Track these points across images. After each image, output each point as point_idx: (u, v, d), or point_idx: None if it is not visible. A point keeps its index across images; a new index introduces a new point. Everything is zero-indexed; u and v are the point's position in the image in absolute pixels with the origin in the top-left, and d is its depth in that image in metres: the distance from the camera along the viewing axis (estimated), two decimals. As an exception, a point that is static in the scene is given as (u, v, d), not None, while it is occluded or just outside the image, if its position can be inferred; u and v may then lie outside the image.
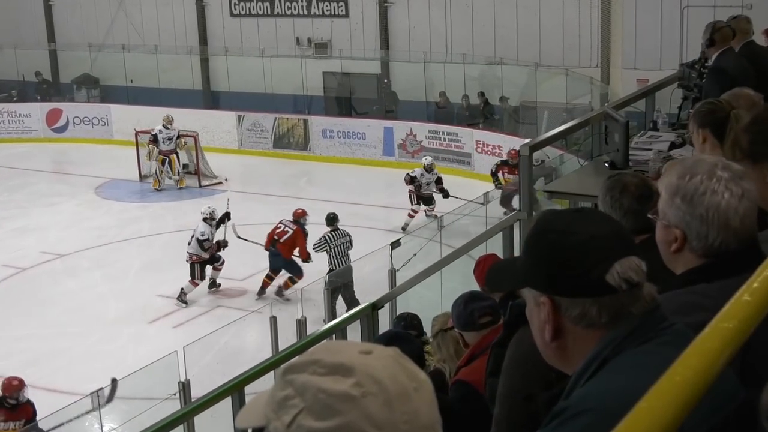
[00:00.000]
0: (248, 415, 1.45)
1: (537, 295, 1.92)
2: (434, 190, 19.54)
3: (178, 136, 23.16)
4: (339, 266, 14.64)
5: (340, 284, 13.13)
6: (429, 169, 19.70)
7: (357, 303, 11.08)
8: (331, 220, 15.55)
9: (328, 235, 15.22)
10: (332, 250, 15.05)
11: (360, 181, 22.81)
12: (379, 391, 1.31)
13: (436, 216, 17.71)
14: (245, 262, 16.73)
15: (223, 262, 16.08)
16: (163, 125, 22.99)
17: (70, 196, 22.82)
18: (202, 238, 15.71)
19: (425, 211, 19.63)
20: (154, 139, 23.00)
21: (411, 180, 19.62)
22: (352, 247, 15.18)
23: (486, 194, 14.99)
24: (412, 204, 19.61)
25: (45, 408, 10.76)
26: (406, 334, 4.75)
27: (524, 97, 24.01)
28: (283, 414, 1.33)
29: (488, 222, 13.36)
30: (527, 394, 2.92)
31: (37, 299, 16.07)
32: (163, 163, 23.08)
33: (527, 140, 8.76)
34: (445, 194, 19.19)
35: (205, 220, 15.96)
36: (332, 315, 11.25)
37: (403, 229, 18.69)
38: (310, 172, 24.61)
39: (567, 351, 1.92)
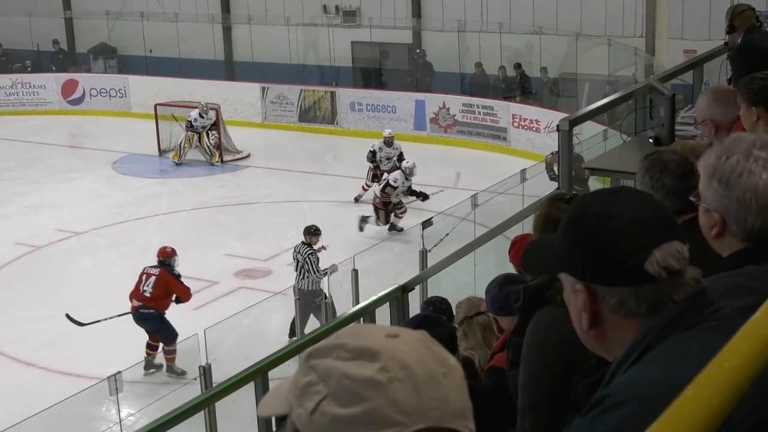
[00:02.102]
0: (271, 402, 1.45)
1: (573, 281, 1.90)
2: (397, 166, 18.54)
3: (213, 124, 23.21)
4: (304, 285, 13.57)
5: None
6: (388, 142, 19.29)
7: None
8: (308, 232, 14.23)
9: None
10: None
11: (390, 157, 22.78)
12: (406, 377, 1.30)
13: (401, 229, 17.20)
14: (270, 242, 16.79)
15: (405, 210, 17.46)
16: (199, 113, 23.05)
17: (86, 172, 22.95)
18: (394, 184, 17.25)
19: (394, 214, 17.82)
20: (190, 126, 23.06)
21: (372, 156, 19.31)
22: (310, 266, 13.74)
23: (523, 171, 14.95)
24: (367, 179, 19.39)
25: (60, 392, 10.85)
26: (438, 317, 4.74)
27: (564, 68, 23.87)
28: (306, 401, 1.33)
29: (525, 200, 13.32)
30: (551, 381, 2.92)
31: (52, 279, 16.20)
32: (191, 138, 23.12)
33: (567, 114, 8.71)
34: (423, 197, 18.20)
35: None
36: (358, 298, 11.28)
37: (356, 200, 19.10)
38: (337, 147, 24.61)
39: (606, 339, 1.90)
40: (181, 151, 23.20)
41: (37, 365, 13.20)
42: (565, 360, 2.52)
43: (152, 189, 21.60)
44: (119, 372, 9.06)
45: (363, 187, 19.20)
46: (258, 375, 7.19)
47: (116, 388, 8.95)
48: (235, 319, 11.46)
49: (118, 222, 19.11)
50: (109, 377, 8.97)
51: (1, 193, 21.51)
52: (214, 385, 8.71)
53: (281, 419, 1.44)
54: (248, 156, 23.69)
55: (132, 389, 10.36)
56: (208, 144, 23.19)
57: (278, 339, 11.84)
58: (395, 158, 18.78)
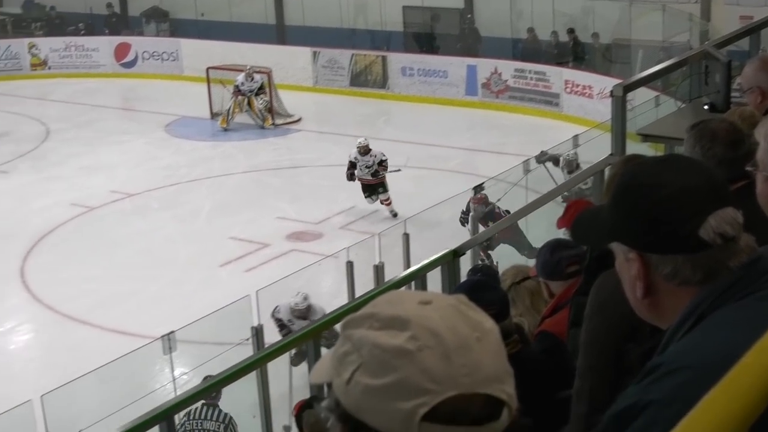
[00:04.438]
0: (318, 371, 1.46)
1: (626, 250, 1.88)
2: (381, 175, 17.31)
3: (260, 87, 23.26)
4: None
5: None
6: (363, 151, 17.34)
7: None
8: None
9: None
10: None
11: (440, 122, 22.72)
12: (436, 344, 1.30)
13: (395, 214, 16.82)
14: (320, 206, 16.85)
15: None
16: (245, 77, 23.10)
17: (139, 134, 23.12)
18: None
19: (382, 202, 17.31)
20: (238, 90, 23.14)
21: (352, 167, 17.49)
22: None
23: (575, 137, 14.88)
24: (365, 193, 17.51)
25: (114, 351, 11.01)
26: (490, 282, 4.75)
27: (617, 34, 23.62)
28: (343, 370, 1.34)
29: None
30: (613, 344, 2.92)
31: (106, 240, 16.37)
32: (241, 103, 23.22)
33: (620, 80, 8.65)
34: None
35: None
36: (409, 262, 11.31)
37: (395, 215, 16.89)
38: (388, 111, 24.59)
39: (660, 307, 1.89)
40: (229, 117, 23.27)
41: (91, 324, 13.39)
42: (626, 324, 2.52)
43: (204, 152, 21.72)
44: (173, 332, 9.18)
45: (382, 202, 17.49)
46: (310, 337, 7.26)
47: (170, 348, 9.07)
48: (286, 281, 11.54)
49: (170, 184, 19.26)
50: (162, 336, 9.09)
51: (56, 155, 21.76)
52: (266, 346, 8.81)
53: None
54: (299, 120, 23.74)
55: (185, 349, 10.45)
56: (259, 108, 23.25)
57: (329, 302, 11.89)
58: (376, 165, 17.32)
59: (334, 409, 1.35)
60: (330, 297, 12.39)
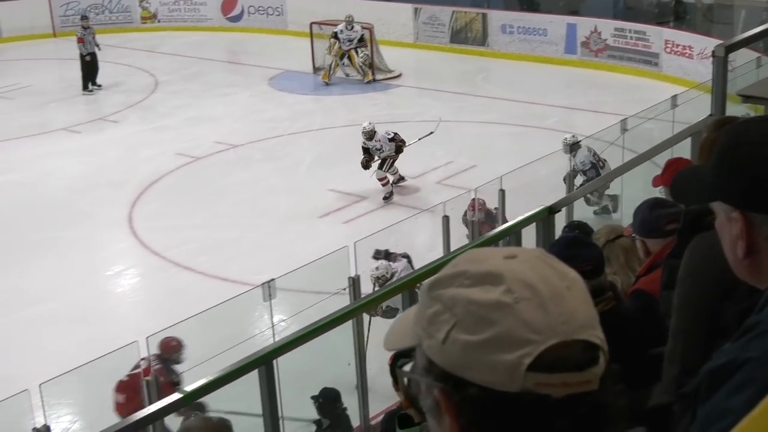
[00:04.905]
0: (397, 336, 1.45)
1: (728, 210, 1.83)
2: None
3: (360, 39, 23.24)
4: None
5: None
6: (368, 136, 16.38)
7: None
8: None
9: None
10: None
11: (539, 80, 22.51)
12: (531, 295, 1.29)
13: (387, 197, 15.97)
14: (418, 160, 16.83)
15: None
16: (345, 25, 23.09)
17: (243, 87, 23.34)
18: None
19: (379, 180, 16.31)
20: (335, 36, 23.17)
21: (365, 151, 16.39)
22: None
23: (674, 97, 14.59)
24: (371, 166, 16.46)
25: (216, 296, 11.19)
26: (587, 239, 4.71)
27: (720, -7, 23.10)
28: (435, 331, 1.32)
29: (675, 127, 13.02)
30: (706, 306, 2.87)
31: (210, 189, 16.61)
32: (341, 57, 23.29)
33: (721, 41, 8.46)
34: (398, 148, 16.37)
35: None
36: (505, 218, 11.27)
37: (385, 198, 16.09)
38: (487, 68, 24.40)
39: (760, 268, 1.85)
40: (330, 72, 23.34)
41: (194, 270, 13.61)
42: (720, 286, 2.47)
43: (306, 105, 21.85)
44: (273, 280, 9.28)
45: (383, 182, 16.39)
46: (405, 288, 7.30)
47: (269, 295, 9.17)
48: (383, 234, 11.58)
49: (272, 136, 19.41)
50: (263, 284, 9.20)
51: (163, 106, 22.10)
52: (362, 296, 8.88)
53: (405, 353, 1.43)
54: (400, 75, 23.70)
55: (284, 297, 10.56)
56: (360, 63, 23.27)
57: (424, 255, 11.91)
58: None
59: (426, 372, 1.34)
60: (425, 250, 12.40)
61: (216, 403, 6.61)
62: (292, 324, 10.53)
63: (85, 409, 10.08)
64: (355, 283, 9.02)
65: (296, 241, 14.13)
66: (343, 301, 8.85)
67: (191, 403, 5.72)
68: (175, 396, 5.51)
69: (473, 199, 12.46)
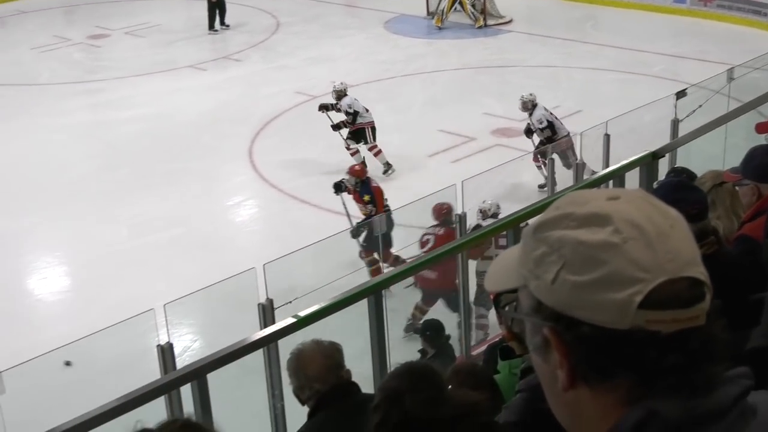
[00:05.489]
0: (499, 277, 1.43)
1: None
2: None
3: None
4: None
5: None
6: (336, 95, 15.23)
7: None
8: None
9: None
10: None
11: (647, 28, 22.00)
12: (638, 235, 1.26)
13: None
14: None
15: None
16: None
17: (359, 29, 23.32)
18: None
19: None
20: None
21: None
22: None
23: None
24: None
25: (329, 228, 11.30)
26: (692, 184, 4.61)
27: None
28: (543, 272, 1.30)
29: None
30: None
31: (326, 127, 16.68)
32: (453, 2, 23.08)
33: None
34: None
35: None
36: (608, 162, 11.09)
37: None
38: (596, 16, 23.92)
39: None
40: (443, 16, 23.16)
41: (309, 203, 13.74)
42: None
43: (419, 48, 21.74)
44: (386, 211, 9.33)
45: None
46: (510, 227, 7.26)
47: (380, 228, 9.24)
48: (489, 173, 11.51)
49: (387, 77, 19.39)
50: (376, 217, 9.25)
51: (284, 46, 22.22)
52: (467, 232, 8.87)
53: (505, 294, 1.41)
54: (510, 21, 23.38)
55: (394, 230, 10.66)
56: (472, 9, 23.03)
57: (528, 195, 11.84)
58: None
59: (535, 312, 1.32)
60: (530, 192, 12.32)
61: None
62: (401, 255, 10.63)
63: (205, 330, 10.31)
64: (461, 220, 9.00)
65: (406, 178, 14.15)
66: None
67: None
68: (289, 320, 5.59)
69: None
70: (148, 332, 7.87)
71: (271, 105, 17.86)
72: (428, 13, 23.97)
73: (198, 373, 5.20)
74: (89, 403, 4.92)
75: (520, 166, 13.31)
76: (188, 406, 5.43)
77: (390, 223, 11.12)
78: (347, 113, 14.89)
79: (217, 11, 23.54)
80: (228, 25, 23.70)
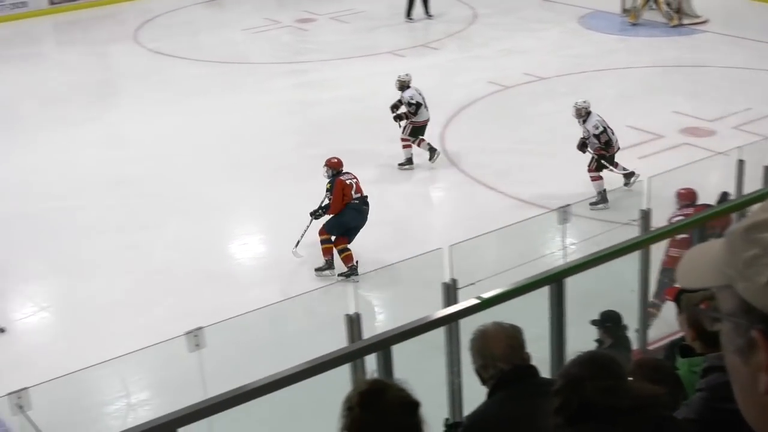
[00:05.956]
0: (697, 274, 1.38)
1: None
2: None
3: None
4: None
5: None
6: (400, 86, 14.91)
7: None
8: None
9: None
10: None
11: None
12: None
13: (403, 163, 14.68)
14: (717, 105, 16.09)
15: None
16: None
17: (554, 24, 23.04)
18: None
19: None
20: None
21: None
22: None
23: None
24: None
25: (513, 215, 11.27)
26: None
27: None
28: (754, 274, 1.25)
29: None
30: None
31: (515, 116, 16.63)
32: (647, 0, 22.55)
33: None
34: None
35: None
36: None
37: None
38: (796, 19, 22.88)
39: None
40: (638, 13, 22.62)
41: (496, 189, 13.71)
42: None
43: (612, 44, 21.31)
44: (569, 205, 9.24)
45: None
46: (695, 225, 7.07)
47: (564, 219, 9.15)
48: (676, 172, 11.21)
49: (578, 72, 19.11)
50: (559, 208, 9.18)
51: (479, 37, 22.22)
52: (651, 229, 8.68)
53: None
54: (706, 21, 22.61)
55: (576, 222, 10.52)
56: (667, 8, 22.39)
57: (712, 197, 11.46)
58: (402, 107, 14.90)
59: (744, 313, 1.27)
60: (716, 192, 11.93)
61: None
62: (579, 249, 10.50)
63: (390, 303, 10.48)
64: (645, 215, 8.81)
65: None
66: (632, 232, 8.69)
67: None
68: (473, 301, 5.62)
69: None
70: (337, 301, 8.10)
71: (465, 93, 17.90)
72: (623, 10, 23.45)
73: (384, 344, 5.30)
74: (280, 363, 5.09)
75: (707, 165, 12.91)
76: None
77: (353, 216, 11.53)
78: (409, 104, 14.64)
79: (421, 1, 23.69)
80: (432, 16, 23.84)
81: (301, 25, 24.12)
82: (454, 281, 7.19)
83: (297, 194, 13.63)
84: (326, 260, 11.43)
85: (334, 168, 11.88)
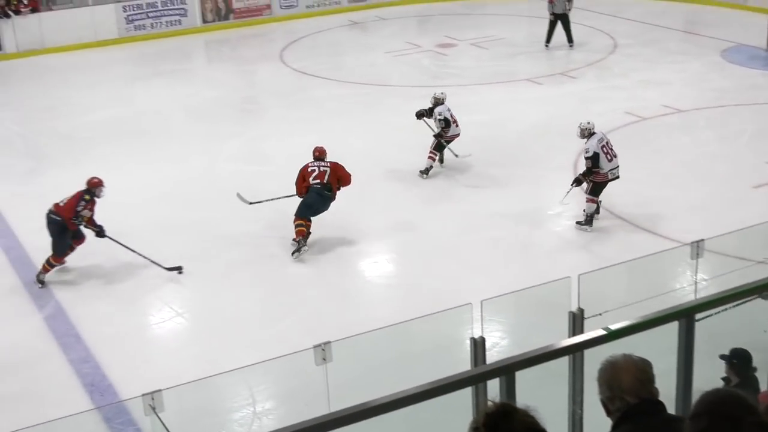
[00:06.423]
0: None
1: None
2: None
3: None
4: None
5: None
6: (434, 102, 15.54)
7: None
8: None
9: None
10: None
11: None
12: None
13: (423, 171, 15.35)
14: None
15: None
16: None
17: (696, 56, 22.51)
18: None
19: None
20: None
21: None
22: None
23: None
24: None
25: (645, 248, 10.99)
26: None
27: None
28: None
29: None
30: None
31: (652, 148, 16.28)
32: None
33: None
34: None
35: None
36: None
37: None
38: None
39: None
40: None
41: (626, 220, 13.41)
42: None
43: (755, 79, 20.65)
44: (702, 240, 8.96)
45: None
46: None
47: (697, 254, 8.87)
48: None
49: (717, 105, 18.61)
50: (693, 242, 8.89)
51: (619, 67, 21.87)
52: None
53: None
54: None
55: (709, 257, 10.15)
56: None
57: None
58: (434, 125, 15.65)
59: None
60: None
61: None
62: (712, 284, 10.16)
63: (515, 330, 10.35)
64: (781, 255, 8.49)
65: (727, 207, 13.53)
66: (764, 271, 8.39)
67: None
68: (599, 332, 5.49)
69: None
70: (463, 325, 8.03)
71: (601, 122, 17.44)
72: (768, 45, 22.80)
73: (508, 369, 5.23)
74: (401, 382, 5.07)
75: None
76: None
77: (314, 198, 12.71)
78: (437, 120, 15.25)
79: (564, 30, 23.42)
80: (571, 44, 23.56)
81: (442, 49, 24.21)
82: (581, 311, 7.06)
83: (427, 216, 13.66)
84: (297, 240, 12.60)
85: (313, 155, 13.02)
